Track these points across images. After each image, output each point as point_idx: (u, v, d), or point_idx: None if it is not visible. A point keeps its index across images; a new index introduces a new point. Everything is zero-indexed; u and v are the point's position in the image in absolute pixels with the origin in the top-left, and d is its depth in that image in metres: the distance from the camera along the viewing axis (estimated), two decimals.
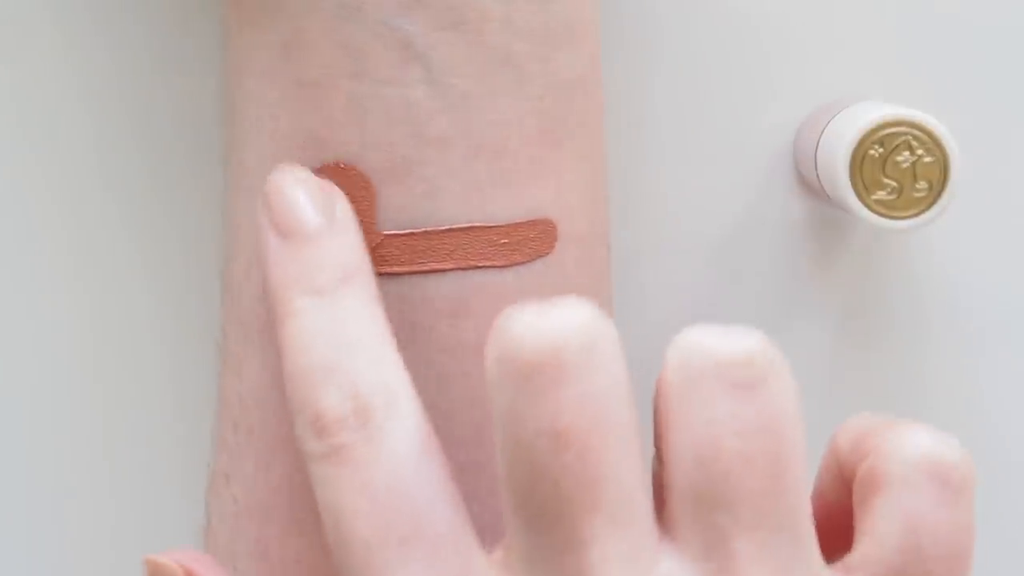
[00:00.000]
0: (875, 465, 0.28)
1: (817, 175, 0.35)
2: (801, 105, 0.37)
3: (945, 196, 0.33)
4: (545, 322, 0.26)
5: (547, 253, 0.30)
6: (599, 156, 0.32)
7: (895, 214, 0.34)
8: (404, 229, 0.30)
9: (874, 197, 0.33)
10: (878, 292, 0.37)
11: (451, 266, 0.30)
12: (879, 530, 0.27)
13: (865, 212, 0.33)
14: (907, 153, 0.33)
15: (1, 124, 0.36)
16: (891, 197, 0.33)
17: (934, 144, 0.33)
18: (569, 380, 0.25)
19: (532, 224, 0.30)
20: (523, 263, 0.30)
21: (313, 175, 0.29)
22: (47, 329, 0.36)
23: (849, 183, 0.33)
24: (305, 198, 0.29)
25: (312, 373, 0.27)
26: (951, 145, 0.33)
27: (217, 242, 0.32)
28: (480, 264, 0.30)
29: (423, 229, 0.30)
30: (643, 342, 0.37)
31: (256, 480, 0.31)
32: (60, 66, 0.35)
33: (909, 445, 0.27)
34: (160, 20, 0.35)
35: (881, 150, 0.33)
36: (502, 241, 0.30)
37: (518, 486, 0.26)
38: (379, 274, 0.30)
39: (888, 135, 0.33)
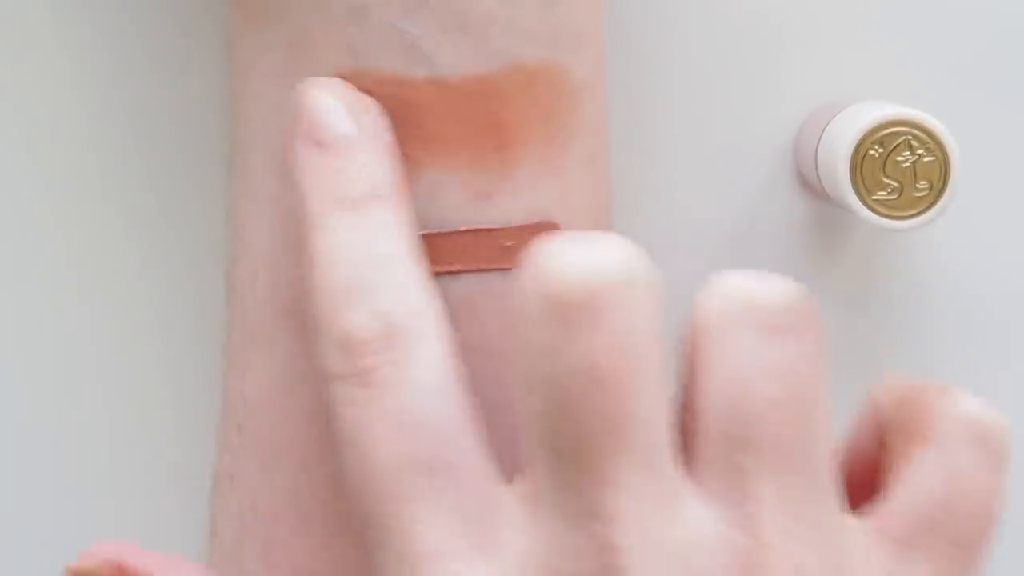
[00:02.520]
0: (922, 419, 0.28)
1: (817, 175, 0.35)
2: (801, 105, 0.37)
3: (946, 196, 0.33)
4: (587, 258, 0.25)
5: None
6: (604, 159, 0.32)
7: (896, 214, 0.34)
8: None
9: (874, 197, 0.33)
10: (878, 292, 0.37)
11: (457, 269, 0.30)
12: (916, 481, 0.28)
13: (866, 212, 0.33)
14: (907, 153, 0.33)
15: (2, 125, 0.36)
16: (892, 197, 0.33)
17: (934, 144, 0.33)
18: (608, 319, 0.25)
19: (537, 227, 0.30)
20: None
21: (346, 84, 0.29)
22: (50, 331, 0.36)
23: (849, 183, 0.33)
24: (337, 106, 0.28)
25: (341, 290, 0.27)
26: (951, 145, 0.33)
27: (222, 244, 0.32)
28: (486, 267, 0.30)
29: (429, 232, 0.30)
30: None
31: (261, 482, 0.31)
32: (62, 68, 0.35)
33: (961, 404, 0.28)
34: (165, 22, 0.35)
35: (881, 150, 0.33)
36: (508, 244, 0.30)
37: (547, 422, 0.26)
38: None
39: (888, 135, 0.33)
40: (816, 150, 0.35)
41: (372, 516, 0.26)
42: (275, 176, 0.30)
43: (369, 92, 0.29)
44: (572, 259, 0.25)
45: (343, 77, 0.29)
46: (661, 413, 0.26)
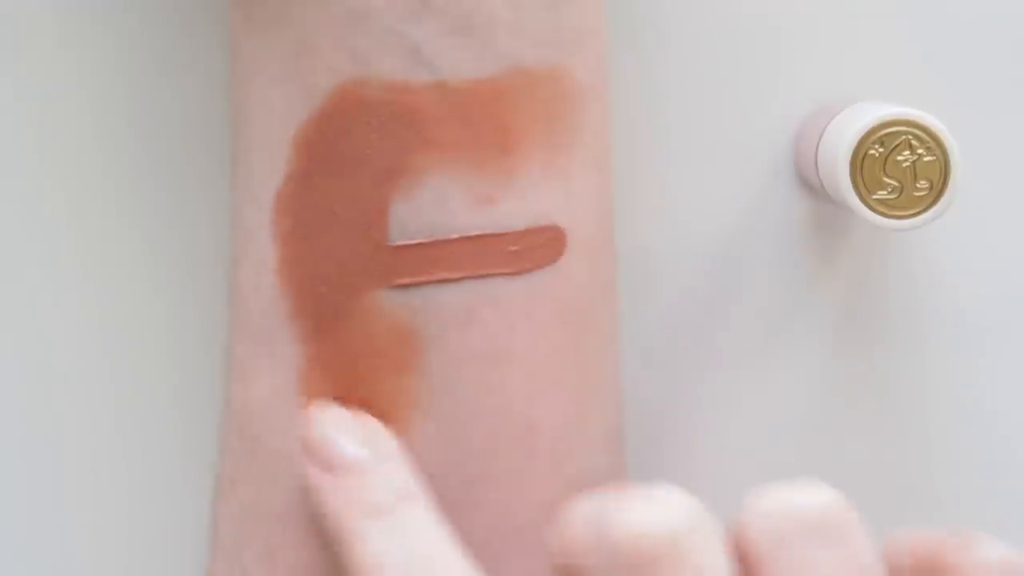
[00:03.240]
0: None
1: (818, 175, 0.35)
2: (801, 105, 0.37)
3: (946, 195, 0.33)
4: (655, 512, 0.26)
5: (556, 260, 0.30)
6: (607, 161, 0.32)
7: (896, 213, 0.34)
8: (413, 239, 0.30)
9: (875, 197, 0.33)
10: (879, 291, 0.38)
11: (461, 275, 0.30)
12: None
13: (866, 212, 0.33)
14: (908, 152, 0.33)
15: (6, 128, 0.35)
16: (892, 196, 0.33)
17: (934, 143, 0.33)
18: (682, 565, 0.25)
19: (541, 231, 0.30)
20: (532, 270, 0.30)
21: (346, 411, 0.30)
22: (53, 334, 0.36)
23: (850, 183, 0.33)
24: (344, 438, 0.30)
25: None
26: (951, 144, 0.33)
27: (225, 247, 0.32)
28: (490, 272, 0.30)
29: (433, 238, 0.30)
30: (644, 340, 0.37)
31: (262, 486, 0.31)
32: (66, 72, 0.35)
33: (984, 554, 0.28)
34: (168, 26, 0.35)
35: (881, 149, 0.33)
36: (512, 248, 0.30)
37: None
38: (389, 287, 0.30)
39: (888, 134, 0.33)
40: (816, 150, 0.35)
41: None
42: (277, 180, 0.30)
43: (372, 99, 0.29)
44: (644, 513, 0.26)
45: (346, 88, 0.29)
46: None
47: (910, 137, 0.33)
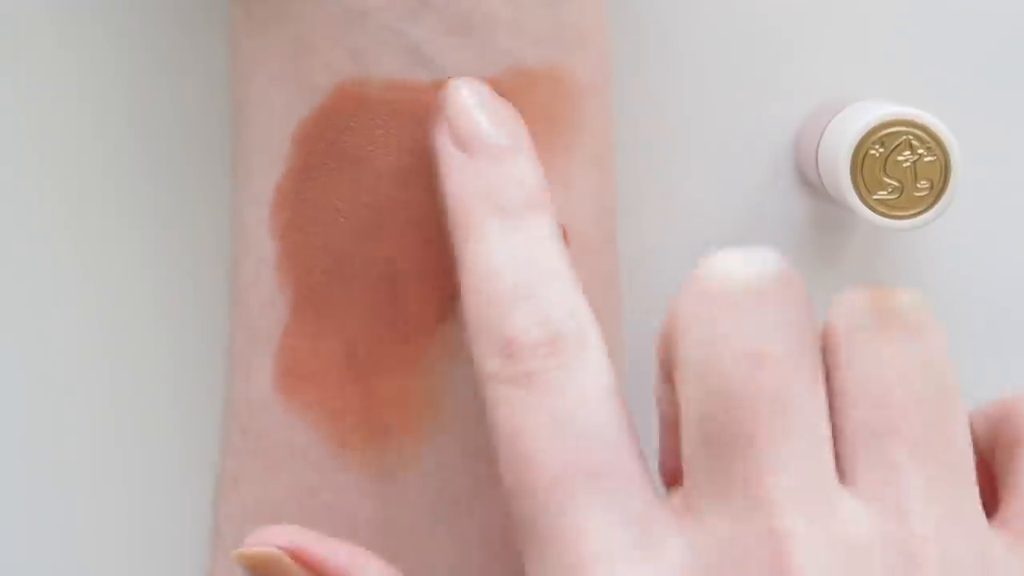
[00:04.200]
0: (1016, 426, 0.28)
1: (818, 174, 0.35)
2: (801, 105, 0.37)
3: (947, 195, 0.33)
4: (747, 258, 0.27)
5: None
6: (608, 161, 0.32)
7: (897, 213, 0.33)
8: None
9: (875, 197, 0.33)
10: None
11: None
12: None
13: (866, 212, 0.33)
14: (908, 152, 0.33)
15: (6, 128, 0.35)
16: (892, 197, 0.33)
17: (935, 143, 0.33)
18: (772, 308, 0.26)
19: None
20: None
21: (488, 89, 0.29)
22: (54, 333, 0.36)
23: (850, 183, 0.33)
24: (488, 119, 0.29)
25: (503, 295, 0.27)
26: (952, 144, 0.33)
27: (226, 246, 0.32)
28: None
29: None
30: (644, 340, 0.37)
31: (265, 484, 0.31)
32: (66, 71, 0.35)
33: None
34: (168, 25, 0.35)
35: (882, 150, 0.33)
36: None
37: (711, 411, 0.26)
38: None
39: (888, 134, 0.33)
40: (817, 149, 0.35)
41: (534, 518, 0.26)
42: (276, 176, 0.30)
43: (371, 98, 0.29)
44: (735, 259, 0.27)
45: (345, 86, 0.29)
46: (820, 403, 0.26)
47: (910, 137, 0.33)
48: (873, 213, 0.33)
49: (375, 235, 0.30)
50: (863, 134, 0.33)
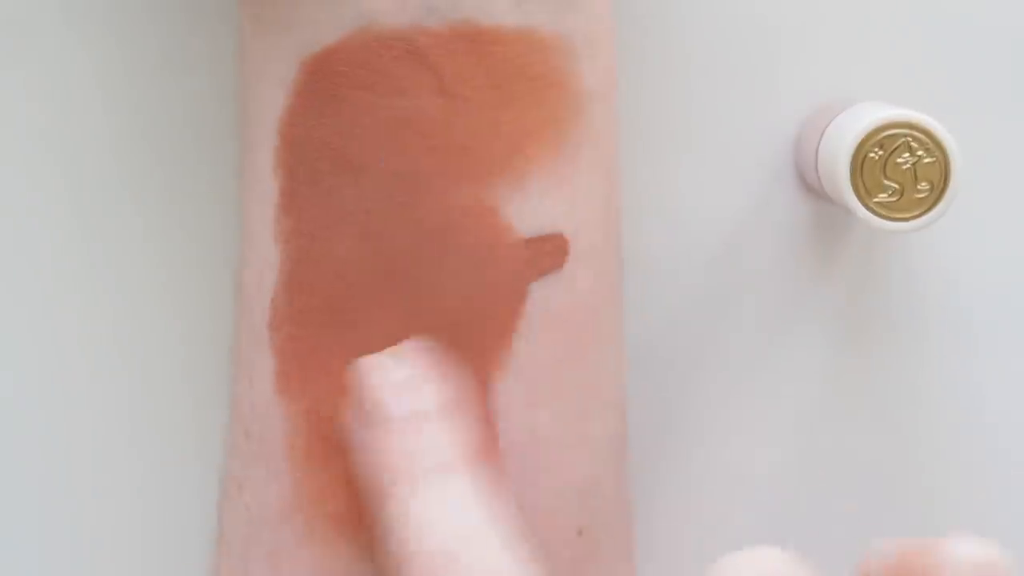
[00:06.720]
0: None
1: (818, 176, 0.35)
2: (801, 105, 0.37)
3: (946, 197, 0.33)
4: None
5: (558, 268, 0.30)
6: (613, 168, 0.32)
7: (897, 216, 0.33)
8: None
9: (875, 200, 0.33)
10: (879, 292, 0.38)
11: None
12: None
13: (867, 215, 0.33)
14: (907, 155, 0.33)
15: (15, 128, 0.35)
16: (892, 199, 0.33)
17: (934, 145, 0.33)
18: None
19: (545, 239, 0.30)
20: (535, 280, 0.30)
21: (398, 360, 0.29)
22: (59, 334, 0.36)
23: (850, 186, 0.33)
24: (390, 388, 0.29)
25: (431, 560, 0.27)
26: (952, 146, 0.33)
27: (232, 248, 0.32)
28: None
29: None
30: (645, 340, 0.37)
31: (269, 487, 0.31)
32: (73, 72, 0.35)
33: (958, 551, 0.27)
34: (176, 26, 0.35)
35: (881, 152, 0.33)
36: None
37: None
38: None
39: (888, 137, 0.33)
40: (816, 152, 0.35)
41: None
42: (281, 180, 0.30)
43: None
44: None
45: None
46: None
47: (910, 139, 0.33)
48: (873, 216, 0.33)
49: (379, 240, 0.30)
50: (862, 137, 0.33)
